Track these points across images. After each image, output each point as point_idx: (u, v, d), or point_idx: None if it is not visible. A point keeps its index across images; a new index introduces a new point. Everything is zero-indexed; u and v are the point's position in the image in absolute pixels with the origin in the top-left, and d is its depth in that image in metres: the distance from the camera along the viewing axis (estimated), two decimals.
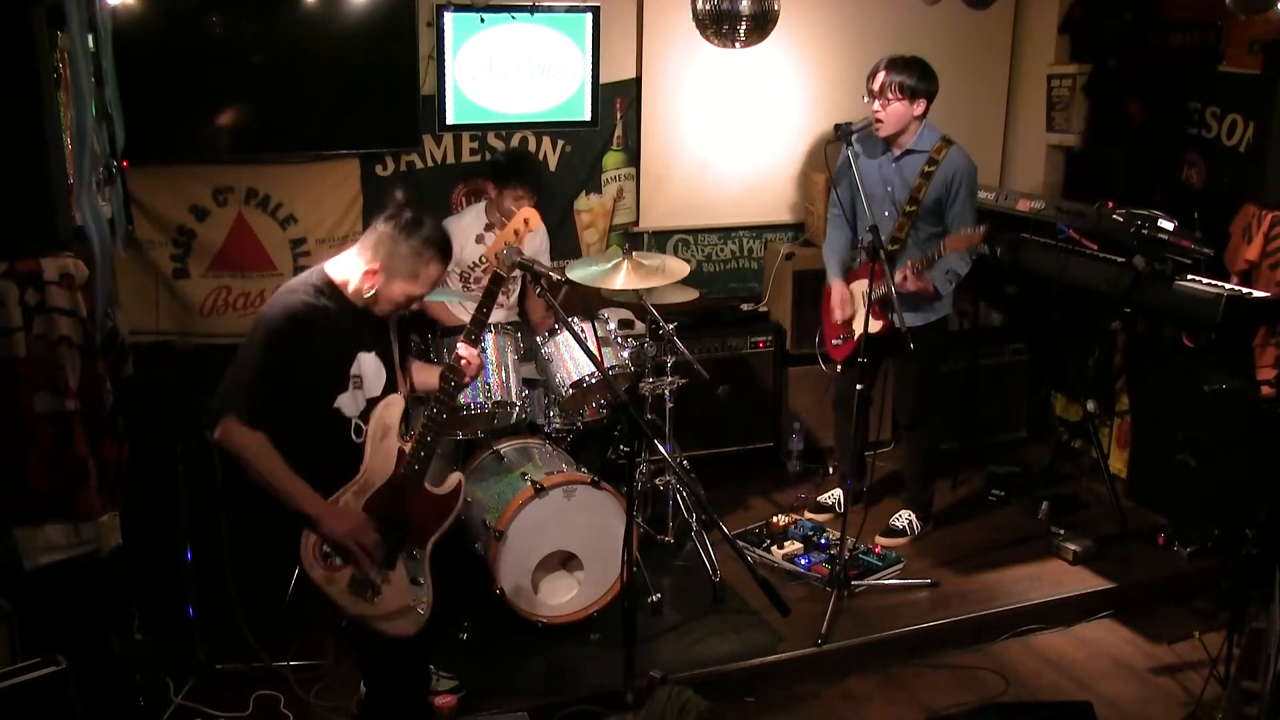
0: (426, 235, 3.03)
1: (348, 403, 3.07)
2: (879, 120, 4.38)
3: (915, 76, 4.34)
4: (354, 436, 3.08)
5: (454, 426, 4.16)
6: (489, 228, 4.60)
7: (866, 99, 4.41)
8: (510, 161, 4.71)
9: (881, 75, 4.34)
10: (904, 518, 4.86)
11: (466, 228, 4.58)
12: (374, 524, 3.01)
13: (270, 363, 2.92)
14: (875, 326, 4.36)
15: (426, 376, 3.37)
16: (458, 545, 3.42)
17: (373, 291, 3.03)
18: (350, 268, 3.07)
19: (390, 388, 3.15)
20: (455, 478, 3.23)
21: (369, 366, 3.11)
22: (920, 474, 4.90)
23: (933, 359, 4.65)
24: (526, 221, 3.27)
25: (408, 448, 3.09)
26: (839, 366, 4.83)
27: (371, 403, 3.10)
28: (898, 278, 4.31)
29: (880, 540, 4.76)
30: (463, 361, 3.18)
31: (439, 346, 4.24)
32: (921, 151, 4.42)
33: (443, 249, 3.08)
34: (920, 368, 4.61)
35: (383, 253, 3.00)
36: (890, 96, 4.33)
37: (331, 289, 3.06)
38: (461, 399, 3.99)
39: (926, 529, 4.88)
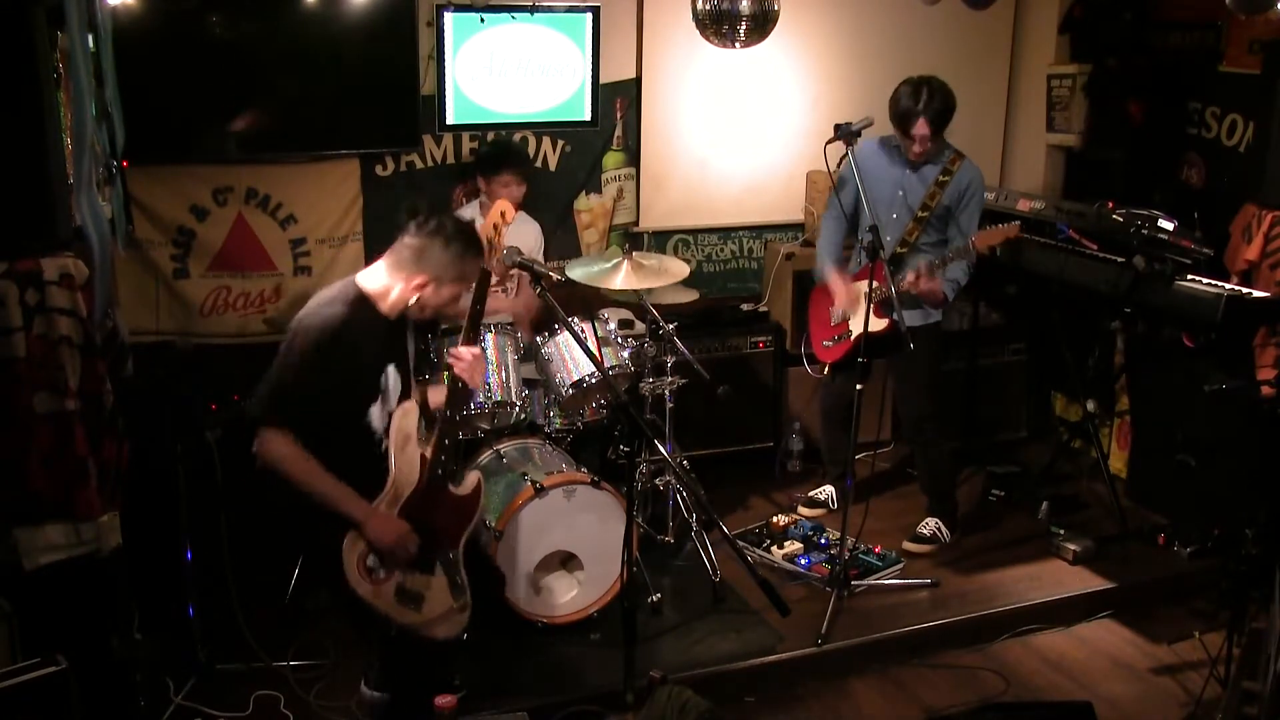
0: (464, 236, 3.08)
1: (376, 414, 3.09)
2: (918, 154, 4.40)
3: (949, 105, 4.32)
4: (377, 449, 3.10)
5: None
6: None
7: (904, 140, 4.39)
8: (493, 150, 4.71)
9: (923, 125, 4.29)
10: (930, 525, 4.81)
11: None
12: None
13: (310, 374, 2.93)
14: (878, 326, 4.33)
15: (433, 397, 3.38)
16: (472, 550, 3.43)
17: (421, 301, 3.05)
18: (385, 281, 3.08)
19: (405, 398, 3.18)
20: (474, 476, 3.26)
21: (392, 379, 3.14)
22: (933, 485, 4.86)
23: (932, 361, 4.63)
24: (504, 214, 3.27)
25: (428, 453, 3.10)
26: (825, 368, 4.82)
27: (392, 415, 3.13)
28: (909, 277, 4.33)
29: (908, 546, 4.72)
30: (462, 363, 3.18)
31: (439, 348, 4.23)
32: (937, 163, 4.46)
33: (477, 244, 3.14)
34: (919, 371, 4.59)
35: (428, 263, 3.04)
36: (937, 137, 4.37)
37: (365, 301, 3.08)
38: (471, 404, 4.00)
39: (955, 536, 4.83)
